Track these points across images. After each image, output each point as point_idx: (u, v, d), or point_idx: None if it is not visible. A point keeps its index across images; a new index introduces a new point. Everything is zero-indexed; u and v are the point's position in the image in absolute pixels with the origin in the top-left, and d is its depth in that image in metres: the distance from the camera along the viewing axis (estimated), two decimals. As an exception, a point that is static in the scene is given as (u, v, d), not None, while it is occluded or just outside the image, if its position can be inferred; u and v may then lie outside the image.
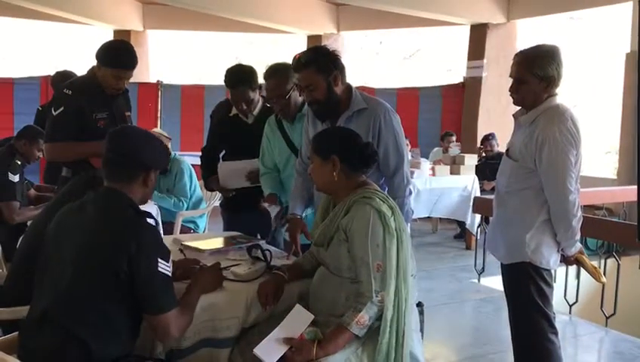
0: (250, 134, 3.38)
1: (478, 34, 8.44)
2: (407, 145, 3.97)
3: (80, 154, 3.14)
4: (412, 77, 13.32)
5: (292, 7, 9.05)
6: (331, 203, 2.32)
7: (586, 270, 2.79)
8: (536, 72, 2.56)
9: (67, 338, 1.84)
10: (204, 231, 5.04)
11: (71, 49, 12.87)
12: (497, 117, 8.16)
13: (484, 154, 7.36)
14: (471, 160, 6.63)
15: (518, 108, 2.75)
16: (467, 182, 6.45)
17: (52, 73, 5.14)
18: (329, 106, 2.65)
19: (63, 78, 5.06)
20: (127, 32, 9.50)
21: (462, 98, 8.58)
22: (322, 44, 9.56)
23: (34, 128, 4.36)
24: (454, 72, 11.38)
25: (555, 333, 2.68)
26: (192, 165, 5.12)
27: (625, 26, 7.83)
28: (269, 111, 3.37)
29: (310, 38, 9.66)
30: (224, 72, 3.36)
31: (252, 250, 2.63)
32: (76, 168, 3.16)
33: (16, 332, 2.01)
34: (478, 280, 5.45)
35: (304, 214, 2.90)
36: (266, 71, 3.10)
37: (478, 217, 5.93)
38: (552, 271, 2.72)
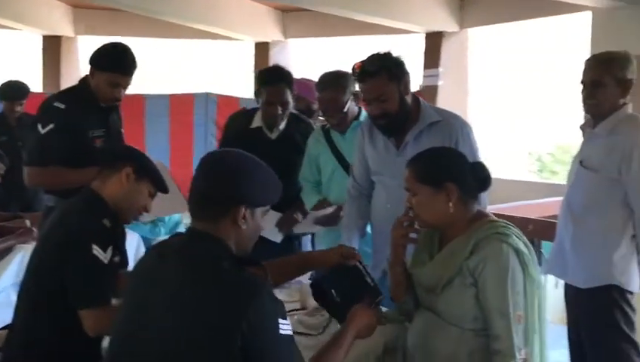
0: (272, 153, 2.96)
1: (433, 42, 8.37)
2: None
3: (73, 183, 2.62)
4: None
5: (238, 12, 8.63)
6: (436, 236, 1.96)
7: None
8: (615, 74, 2.44)
9: None
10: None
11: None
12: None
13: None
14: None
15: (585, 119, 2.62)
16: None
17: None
18: (400, 119, 2.33)
19: (11, 90, 4.47)
20: (58, 38, 8.74)
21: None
22: (270, 51, 9.26)
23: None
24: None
25: None
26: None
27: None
28: (295, 127, 3.04)
29: (258, 45, 9.25)
30: (258, 75, 3.04)
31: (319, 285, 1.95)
32: (66, 196, 2.65)
33: None
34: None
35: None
36: (319, 82, 2.76)
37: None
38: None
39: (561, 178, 9.15)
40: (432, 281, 1.87)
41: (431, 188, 1.85)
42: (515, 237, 1.80)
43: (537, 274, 1.81)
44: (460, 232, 1.85)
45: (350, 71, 2.84)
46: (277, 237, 2.93)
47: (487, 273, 1.75)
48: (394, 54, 2.36)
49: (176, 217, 4.58)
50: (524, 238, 1.84)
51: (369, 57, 2.36)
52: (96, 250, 1.90)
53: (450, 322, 1.83)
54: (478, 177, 1.89)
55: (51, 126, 2.64)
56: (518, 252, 1.77)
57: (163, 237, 4.42)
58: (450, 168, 1.87)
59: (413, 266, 1.99)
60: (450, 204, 1.83)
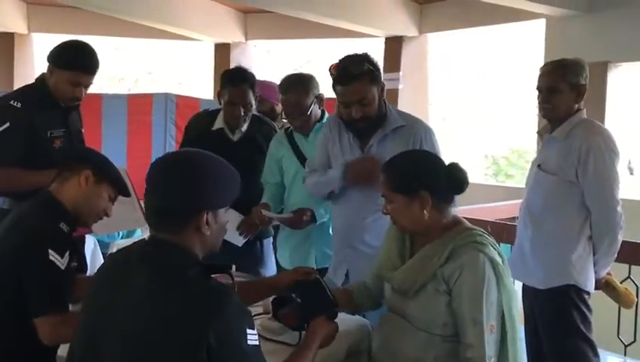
0: (234, 155, 2.93)
1: (393, 46, 8.47)
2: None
3: (30, 185, 2.54)
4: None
5: (198, 13, 8.54)
6: (408, 240, 1.96)
7: (615, 294, 2.68)
8: (570, 80, 2.52)
9: None
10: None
11: None
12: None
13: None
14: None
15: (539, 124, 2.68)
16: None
17: None
18: (378, 122, 2.36)
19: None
20: (10, 35, 8.49)
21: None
22: (231, 53, 9.19)
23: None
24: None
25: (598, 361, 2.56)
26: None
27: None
28: (257, 129, 3.03)
29: (218, 46, 9.17)
30: (221, 75, 2.96)
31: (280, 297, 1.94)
32: (22, 199, 2.57)
33: None
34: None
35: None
36: (282, 84, 2.74)
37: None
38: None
39: (516, 181, 9.37)
40: (404, 285, 1.87)
41: (404, 196, 1.85)
42: (491, 247, 1.81)
43: (511, 285, 1.83)
44: (435, 237, 1.86)
45: (311, 74, 2.85)
46: (239, 240, 2.91)
47: (462, 282, 1.76)
48: (372, 56, 2.34)
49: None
50: (499, 248, 1.87)
51: (349, 59, 2.32)
52: (53, 256, 1.83)
53: (419, 327, 1.83)
54: (454, 178, 1.87)
55: (7, 125, 2.55)
56: (493, 262, 1.78)
57: (119, 240, 4.32)
58: (423, 176, 1.86)
59: (385, 269, 1.99)
60: (425, 212, 1.84)
